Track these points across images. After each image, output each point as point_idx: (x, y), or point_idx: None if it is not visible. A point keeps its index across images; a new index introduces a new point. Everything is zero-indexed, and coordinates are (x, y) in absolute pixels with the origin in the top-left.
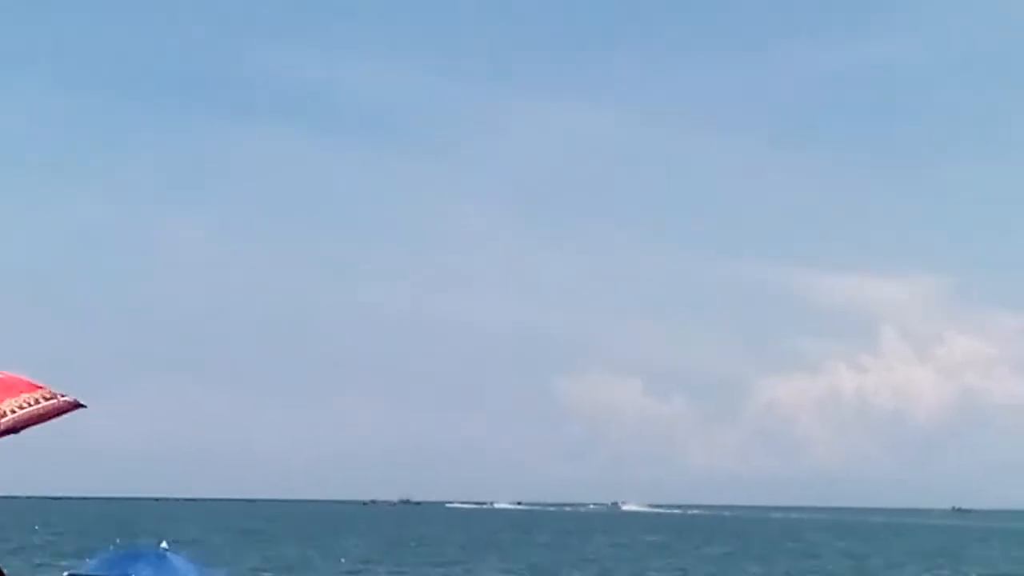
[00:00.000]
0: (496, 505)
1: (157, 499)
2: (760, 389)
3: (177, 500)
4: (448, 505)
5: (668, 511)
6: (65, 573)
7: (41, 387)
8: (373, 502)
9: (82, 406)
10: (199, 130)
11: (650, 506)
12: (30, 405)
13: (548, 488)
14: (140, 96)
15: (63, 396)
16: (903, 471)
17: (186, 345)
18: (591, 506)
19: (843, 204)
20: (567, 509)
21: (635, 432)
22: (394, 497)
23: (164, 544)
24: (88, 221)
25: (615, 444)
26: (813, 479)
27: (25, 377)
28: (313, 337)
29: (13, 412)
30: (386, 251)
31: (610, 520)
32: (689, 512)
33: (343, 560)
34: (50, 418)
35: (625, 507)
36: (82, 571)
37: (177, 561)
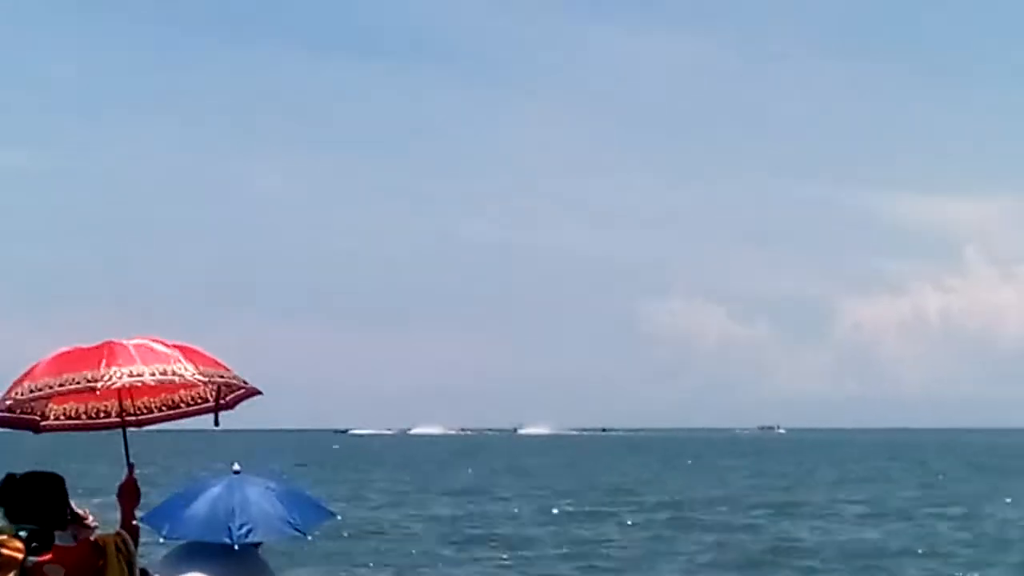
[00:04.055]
0: (608, 432)
1: (251, 431)
2: (844, 312)
3: (272, 431)
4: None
5: (748, 432)
6: (161, 539)
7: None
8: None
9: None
10: (277, 66)
11: (757, 428)
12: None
13: (635, 412)
14: (216, 32)
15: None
16: (991, 391)
17: (276, 284)
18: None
19: (921, 126)
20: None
21: (719, 356)
22: (506, 425)
23: (236, 467)
24: (169, 167)
25: (701, 368)
26: (897, 400)
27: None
28: (404, 271)
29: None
30: (476, 184)
31: (726, 443)
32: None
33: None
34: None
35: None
36: (177, 533)
37: (246, 479)
